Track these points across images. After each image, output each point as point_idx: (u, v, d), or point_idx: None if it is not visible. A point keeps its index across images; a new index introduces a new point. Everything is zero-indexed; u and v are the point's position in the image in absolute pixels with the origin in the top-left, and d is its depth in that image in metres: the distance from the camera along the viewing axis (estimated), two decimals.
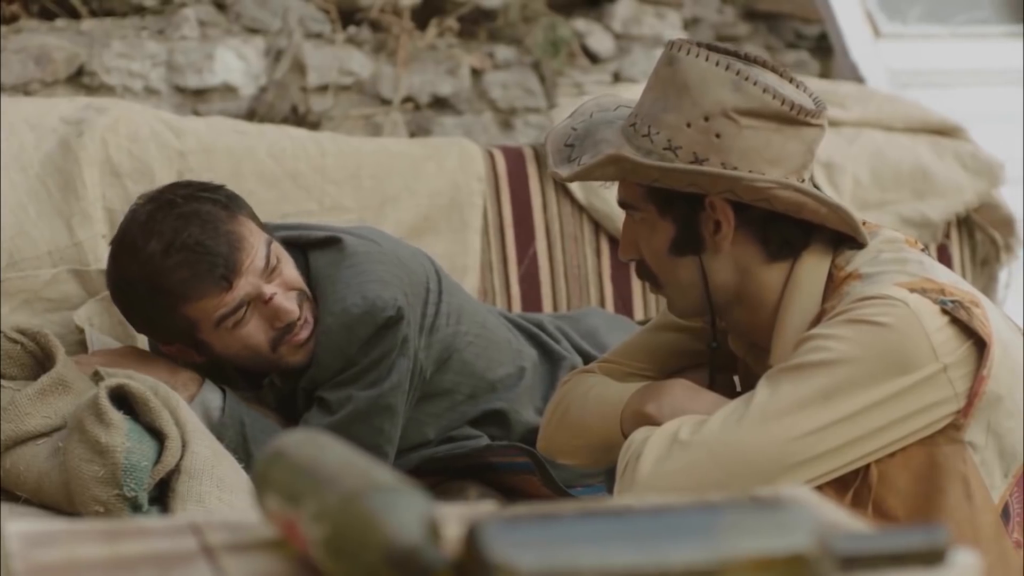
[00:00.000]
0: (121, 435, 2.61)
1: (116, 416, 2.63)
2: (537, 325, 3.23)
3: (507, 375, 3.09)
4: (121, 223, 2.93)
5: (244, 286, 2.84)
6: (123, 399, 2.69)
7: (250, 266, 2.84)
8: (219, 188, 2.93)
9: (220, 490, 2.63)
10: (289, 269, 2.90)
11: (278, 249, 2.91)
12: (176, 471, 2.65)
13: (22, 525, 1.37)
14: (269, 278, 2.86)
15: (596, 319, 3.34)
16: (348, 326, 2.88)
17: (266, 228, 2.95)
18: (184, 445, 2.66)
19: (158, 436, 2.66)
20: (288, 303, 2.87)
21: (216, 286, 2.82)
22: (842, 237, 2.30)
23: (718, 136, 2.24)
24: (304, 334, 2.89)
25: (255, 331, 2.87)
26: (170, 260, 2.82)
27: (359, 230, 3.07)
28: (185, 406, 2.74)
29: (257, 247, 2.86)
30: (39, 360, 2.83)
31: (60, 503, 2.70)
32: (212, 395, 2.90)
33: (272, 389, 2.97)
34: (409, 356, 2.92)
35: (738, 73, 2.24)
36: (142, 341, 3.07)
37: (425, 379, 2.99)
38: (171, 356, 2.96)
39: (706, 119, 2.24)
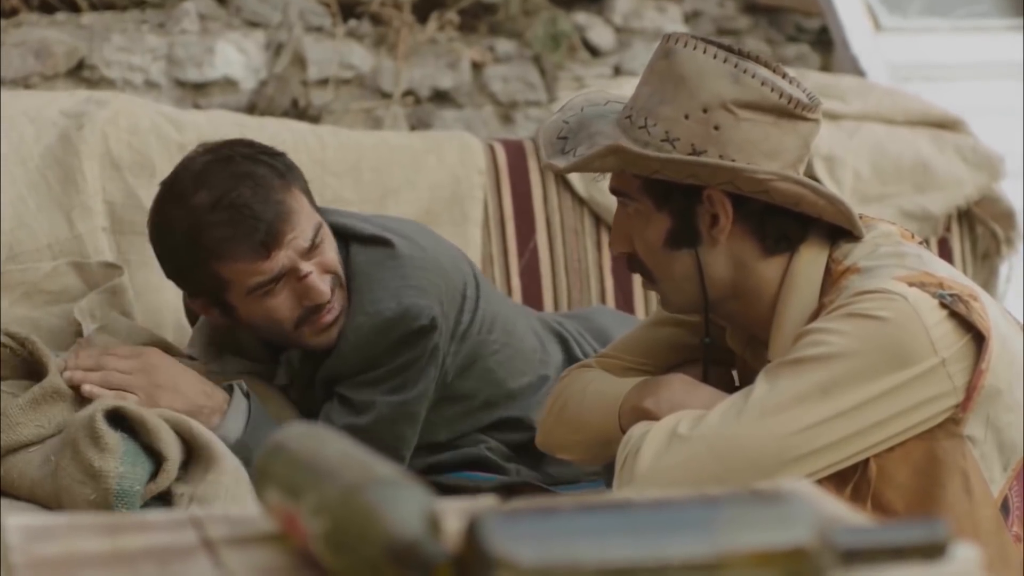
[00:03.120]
0: (115, 460, 2.57)
1: (112, 439, 2.59)
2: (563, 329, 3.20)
3: (528, 384, 3.05)
4: (175, 167, 2.88)
5: (282, 258, 2.79)
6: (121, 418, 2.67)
7: (292, 240, 2.80)
8: (280, 155, 2.88)
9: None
10: (331, 252, 2.86)
11: (324, 230, 2.87)
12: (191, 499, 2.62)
13: (22, 519, 1.37)
14: (309, 256, 2.84)
15: (606, 319, 3.30)
16: (379, 328, 2.85)
17: (318, 209, 2.91)
18: (206, 470, 2.64)
19: (156, 456, 2.63)
20: (322, 284, 2.82)
21: (253, 251, 2.78)
22: (838, 231, 2.30)
23: (716, 128, 2.23)
24: (329, 318, 2.85)
25: (283, 305, 2.83)
26: (214, 216, 2.78)
27: (406, 229, 3.01)
28: (206, 431, 2.70)
29: (304, 223, 2.81)
30: (30, 363, 2.81)
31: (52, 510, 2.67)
32: (235, 423, 2.84)
33: (288, 367, 2.95)
34: (437, 365, 2.89)
35: (736, 66, 2.23)
36: (148, 335, 3.01)
37: (446, 383, 2.98)
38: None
39: (704, 111, 2.23)
